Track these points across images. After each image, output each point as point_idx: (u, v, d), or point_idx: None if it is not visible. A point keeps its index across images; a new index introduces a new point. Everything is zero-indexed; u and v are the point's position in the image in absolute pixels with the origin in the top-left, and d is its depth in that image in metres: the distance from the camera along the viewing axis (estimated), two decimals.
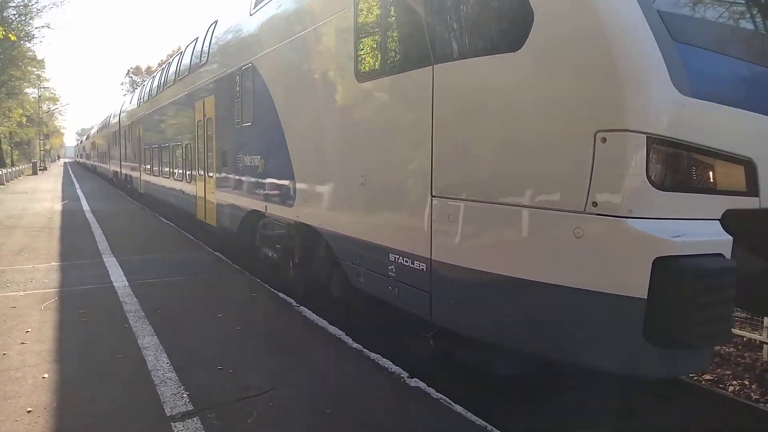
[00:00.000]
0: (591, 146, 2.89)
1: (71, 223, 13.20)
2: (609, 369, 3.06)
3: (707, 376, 5.81)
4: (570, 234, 2.99)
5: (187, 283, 7.19)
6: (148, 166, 16.78)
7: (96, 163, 42.12)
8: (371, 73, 4.64)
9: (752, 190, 3.08)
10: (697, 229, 2.91)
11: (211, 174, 9.75)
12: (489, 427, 3.46)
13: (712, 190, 3.01)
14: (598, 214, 2.90)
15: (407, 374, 4.21)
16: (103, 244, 10.09)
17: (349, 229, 5.01)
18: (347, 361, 4.53)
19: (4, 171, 33.24)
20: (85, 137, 66.07)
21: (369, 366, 4.42)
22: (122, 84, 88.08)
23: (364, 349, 4.73)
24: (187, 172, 11.70)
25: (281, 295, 6.59)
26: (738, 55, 3.30)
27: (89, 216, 14.53)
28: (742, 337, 6.56)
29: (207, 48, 10.00)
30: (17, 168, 42.79)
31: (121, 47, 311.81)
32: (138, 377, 4.09)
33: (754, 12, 3.62)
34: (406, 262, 4.17)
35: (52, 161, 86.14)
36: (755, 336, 6.50)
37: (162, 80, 15.18)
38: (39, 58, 47.61)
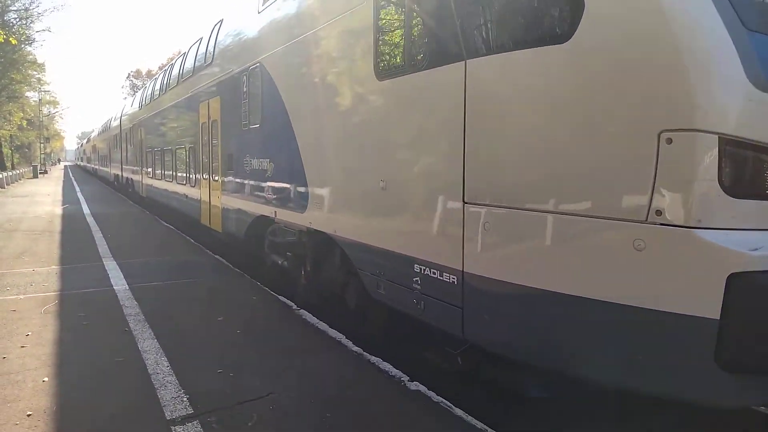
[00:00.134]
0: (654, 148, 2.60)
1: (72, 226, 13.20)
2: (672, 397, 2.81)
3: None
4: (629, 246, 2.70)
5: (187, 287, 7.18)
6: (150, 170, 16.57)
7: (97, 167, 42.14)
8: (393, 71, 4.34)
9: None
10: None
11: (216, 178, 9.50)
12: (490, 431, 3.45)
13: None
14: (661, 224, 2.61)
15: (407, 378, 4.21)
16: (103, 247, 10.09)
17: (368, 237, 4.70)
18: (347, 365, 4.52)
19: (5, 174, 33.28)
20: (85, 140, 66.18)
21: (369, 369, 4.42)
22: (123, 87, 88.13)
23: (365, 353, 4.72)
24: (191, 176, 11.44)
25: (281, 298, 6.59)
26: None
27: (90, 219, 14.54)
28: None
29: (212, 48, 9.72)
30: (18, 171, 42.81)
31: (121, 51, 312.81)
32: (138, 381, 4.09)
33: None
34: (434, 273, 3.88)
35: (52, 164, 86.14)
36: None
37: (164, 82, 14.87)
38: (39, 61, 47.81)
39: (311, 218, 5.72)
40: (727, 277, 2.48)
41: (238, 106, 8.04)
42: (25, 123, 54.45)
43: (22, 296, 6.51)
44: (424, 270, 3.98)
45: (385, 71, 4.42)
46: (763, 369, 2.58)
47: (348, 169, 5.08)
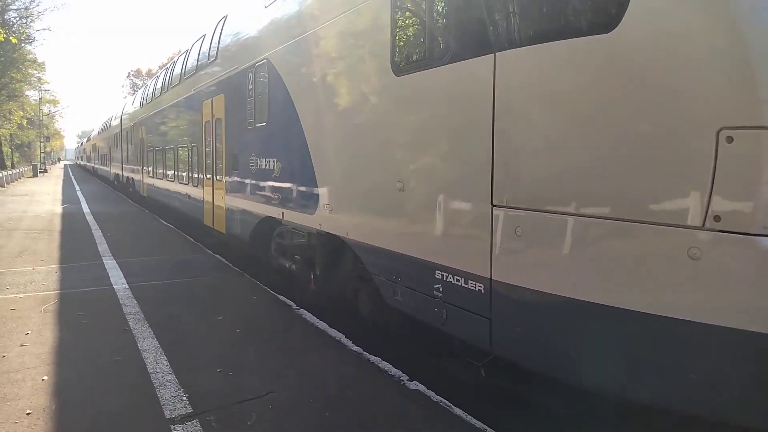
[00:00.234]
0: (712, 147, 2.37)
1: (71, 225, 13.20)
2: (733, 421, 2.54)
3: None
4: (683, 254, 2.46)
5: (187, 286, 7.18)
6: (152, 169, 16.43)
7: (97, 166, 42.15)
8: (412, 65, 4.08)
9: None
10: None
11: (220, 177, 9.27)
12: (489, 430, 3.45)
13: None
14: (720, 231, 2.38)
15: (407, 377, 4.21)
16: (103, 246, 10.09)
17: (384, 240, 4.44)
18: (347, 364, 4.52)
19: (5, 173, 33.28)
20: (85, 139, 66.22)
21: (369, 369, 4.41)
22: (123, 86, 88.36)
23: (364, 352, 4.72)
24: (194, 176, 11.22)
25: (281, 297, 6.58)
26: None
27: (89, 218, 14.54)
28: None
29: (216, 44, 9.50)
30: (18, 170, 42.83)
31: (121, 50, 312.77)
32: (137, 380, 4.08)
33: None
34: (458, 281, 3.62)
35: (52, 164, 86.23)
36: None
37: (167, 80, 14.64)
38: (39, 60, 47.87)
39: (321, 220, 5.50)
40: None
41: (244, 104, 7.84)
42: (25, 122, 54.50)
43: (21, 295, 6.51)
44: (447, 277, 3.74)
45: (403, 65, 4.19)
46: None
47: (362, 169, 4.85)
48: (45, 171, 52.71)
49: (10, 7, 36.99)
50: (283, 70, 6.48)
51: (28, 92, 51.12)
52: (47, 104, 59.96)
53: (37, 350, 4.66)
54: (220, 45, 9.35)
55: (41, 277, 7.44)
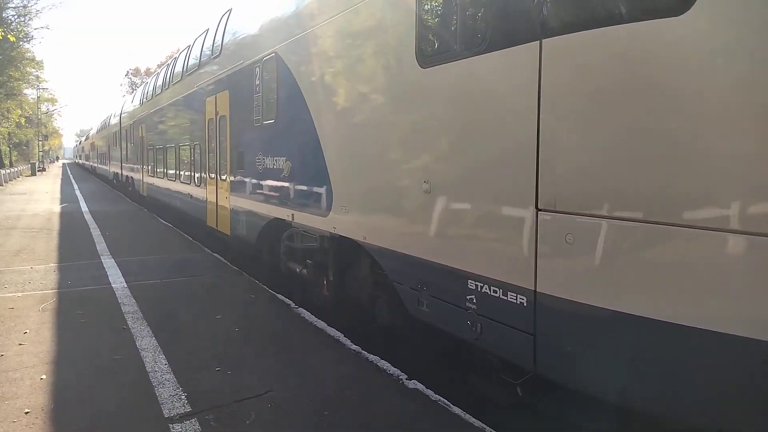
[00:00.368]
0: None
1: (70, 224, 13.18)
2: None
3: None
4: None
5: (185, 285, 7.17)
6: (152, 168, 16.20)
7: (95, 165, 42.08)
8: (441, 56, 3.73)
9: None
10: None
11: (224, 177, 8.89)
12: (487, 429, 3.45)
13: None
14: None
15: (406, 376, 4.21)
16: (101, 245, 10.08)
17: (408, 246, 4.13)
18: (346, 363, 4.52)
19: (3, 172, 33.24)
20: (84, 138, 66.09)
21: (368, 367, 4.42)
22: (121, 85, 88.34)
23: (363, 351, 4.72)
24: (196, 175, 10.87)
25: (280, 296, 6.58)
26: None
27: (88, 217, 14.52)
28: None
29: (220, 39, 9.15)
30: (16, 169, 42.79)
31: (120, 49, 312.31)
32: (136, 379, 4.08)
33: None
34: (495, 292, 3.30)
35: (50, 162, 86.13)
36: None
37: (168, 77, 14.19)
38: (38, 59, 47.81)
39: (335, 222, 5.19)
40: None
41: (250, 101, 7.50)
42: (23, 120, 54.45)
43: (20, 294, 6.50)
44: (482, 287, 3.41)
45: (429, 56, 3.85)
46: None
47: (381, 168, 4.50)
48: (43, 170, 52.66)
49: (9, 5, 36.93)
50: (292, 64, 6.16)
51: (26, 91, 51.18)
52: (45, 103, 60.15)
53: (35, 349, 4.66)
54: (224, 40, 9.03)
55: (39, 276, 7.43)
